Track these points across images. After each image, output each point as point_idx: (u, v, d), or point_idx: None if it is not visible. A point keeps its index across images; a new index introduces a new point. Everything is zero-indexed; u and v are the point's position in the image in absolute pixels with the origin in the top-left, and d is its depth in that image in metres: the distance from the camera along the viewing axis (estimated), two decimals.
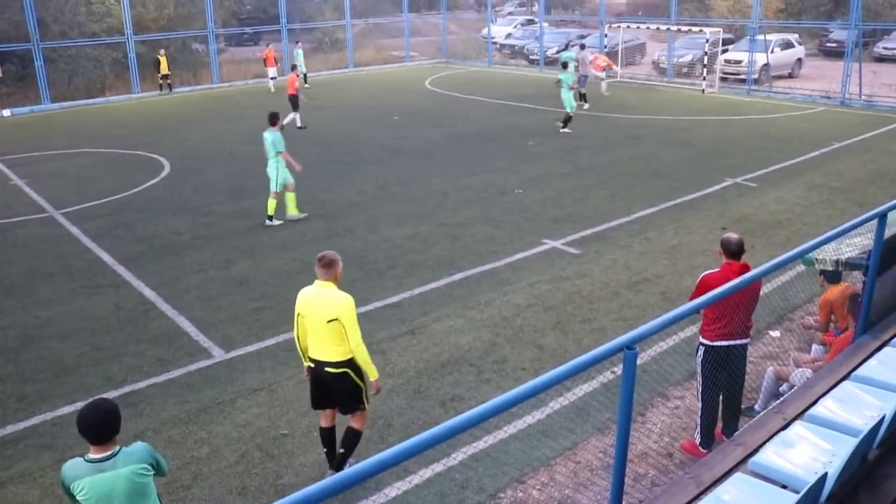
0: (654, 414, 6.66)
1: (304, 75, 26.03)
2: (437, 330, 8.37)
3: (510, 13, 45.75)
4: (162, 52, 26.10)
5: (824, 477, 3.51)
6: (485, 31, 35.11)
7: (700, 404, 5.97)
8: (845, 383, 4.58)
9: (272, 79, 26.68)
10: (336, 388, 5.62)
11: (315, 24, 34.69)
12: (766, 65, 25.15)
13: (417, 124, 20.06)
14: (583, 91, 21.56)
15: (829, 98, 22.91)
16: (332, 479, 2.47)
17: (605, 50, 27.97)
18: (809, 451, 3.85)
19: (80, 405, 6.16)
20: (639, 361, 3.73)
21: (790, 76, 26.90)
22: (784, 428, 4.23)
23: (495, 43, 34.71)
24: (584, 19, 40.60)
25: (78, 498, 3.80)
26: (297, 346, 5.73)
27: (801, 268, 8.55)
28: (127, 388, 7.32)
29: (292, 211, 12.17)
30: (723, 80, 25.45)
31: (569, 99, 18.40)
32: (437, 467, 5.90)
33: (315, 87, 26.87)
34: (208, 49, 28.80)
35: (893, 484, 4.03)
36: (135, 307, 9.17)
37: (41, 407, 7.05)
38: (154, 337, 8.38)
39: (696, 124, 19.41)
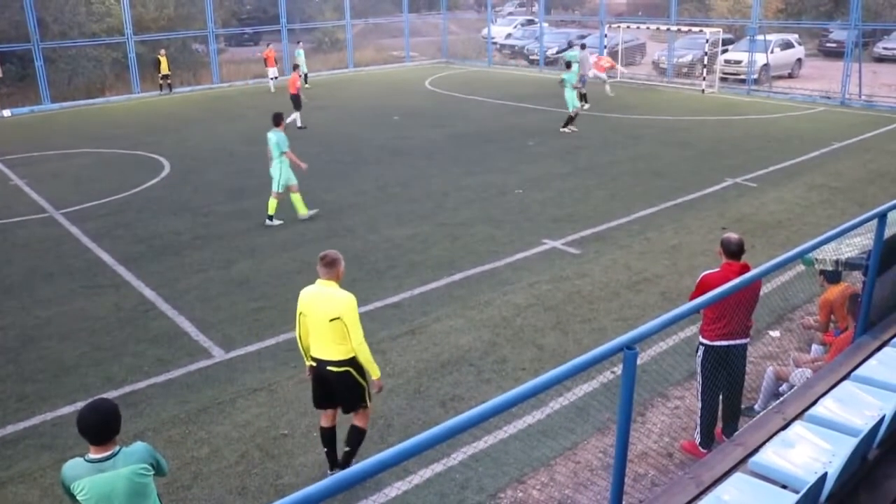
0: (654, 414, 6.66)
1: (305, 75, 26.03)
2: (437, 330, 8.37)
3: (510, 13, 45.76)
4: (162, 52, 26.10)
5: (824, 477, 3.51)
6: (485, 31, 35.11)
7: (700, 404, 5.97)
8: (845, 383, 4.58)
9: (273, 79, 26.68)
10: (338, 387, 5.62)
11: (315, 24, 34.69)
12: (766, 65, 25.15)
13: (417, 124, 20.06)
14: (583, 91, 21.57)
15: (829, 98, 22.91)
16: (332, 479, 2.47)
17: (606, 50, 27.99)
18: (809, 451, 3.85)
19: (80, 405, 6.17)
20: (639, 361, 3.73)
21: (790, 76, 26.90)
22: (784, 428, 4.23)
23: (495, 43, 34.71)
24: (584, 19, 40.60)
25: (78, 498, 3.80)
26: (299, 345, 5.74)
27: (801, 268, 8.55)
28: (127, 388, 7.32)
29: (302, 211, 12.17)
30: (723, 80, 25.45)
31: (572, 98, 18.39)
32: (437, 467, 5.90)
33: (315, 87, 26.87)
34: (208, 49, 28.80)
35: (893, 484, 4.03)
36: (135, 307, 9.17)
37: (41, 407, 7.05)
38: (154, 337, 8.39)
39: (696, 124, 19.42)
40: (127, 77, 26.48)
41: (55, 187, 14.71)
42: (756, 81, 24.79)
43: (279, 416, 6.81)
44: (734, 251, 5.75)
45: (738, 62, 25.67)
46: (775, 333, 8.11)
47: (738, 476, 3.76)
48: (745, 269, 5.64)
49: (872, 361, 4.84)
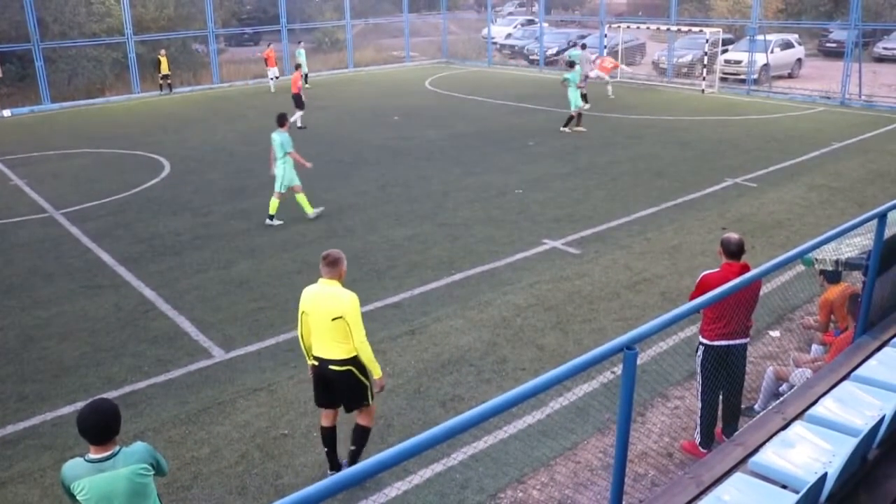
0: (654, 414, 6.66)
1: (305, 76, 26.05)
2: (437, 330, 8.37)
3: (510, 13, 45.77)
4: (162, 52, 26.10)
5: (824, 477, 3.51)
6: (485, 31, 35.11)
7: (700, 404, 5.97)
8: (845, 383, 4.58)
9: (274, 78, 26.68)
10: (340, 386, 5.63)
11: (315, 24, 34.69)
12: (766, 65, 25.15)
13: (417, 124, 20.06)
14: (584, 91, 21.55)
15: (828, 98, 22.92)
16: (332, 479, 2.47)
17: (606, 50, 28.00)
18: (809, 451, 3.85)
19: (80, 405, 6.18)
20: (639, 361, 3.73)
21: (790, 76, 26.90)
22: (784, 428, 4.23)
23: (495, 43, 34.71)
24: (584, 19, 40.61)
25: (78, 498, 3.80)
26: (301, 344, 5.74)
27: (801, 268, 8.55)
28: (127, 389, 7.32)
29: (308, 210, 12.18)
30: (723, 80, 25.44)
31: (575, 98, 18.35)
32: (437, 467, 5.90)
33: (315, 87, 26.87)
34: (208, 49, 28.80)
35: (893, 484, 4.03)
36: (135, 307, 9.17)
37: (41, 407, 7.05)
38: (154, 337, 8.39)
39: (696, 124, 19.42)
40: (127, 77, 26.49)
41: (55, 187, 14.71)
42: (756, 81, 24.79)
43: (279, 416, 6.81)
44: (734, 251, 5.75)
45: (738, 62, 25.67)
46: (775, 333, 8.11)
47: (738, 476, 3.76)
48: (745, 269, 5.64)
49: (872, 361, 4.84)
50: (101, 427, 3.78)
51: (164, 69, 26.08)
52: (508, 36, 36.23)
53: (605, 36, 29.01)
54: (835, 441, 3.90)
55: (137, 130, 20.30)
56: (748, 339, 5.97)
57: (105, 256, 10.87)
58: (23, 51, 24.22)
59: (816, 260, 6.86)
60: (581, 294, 9.21)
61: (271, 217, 11.99)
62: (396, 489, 5.70)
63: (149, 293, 9.56)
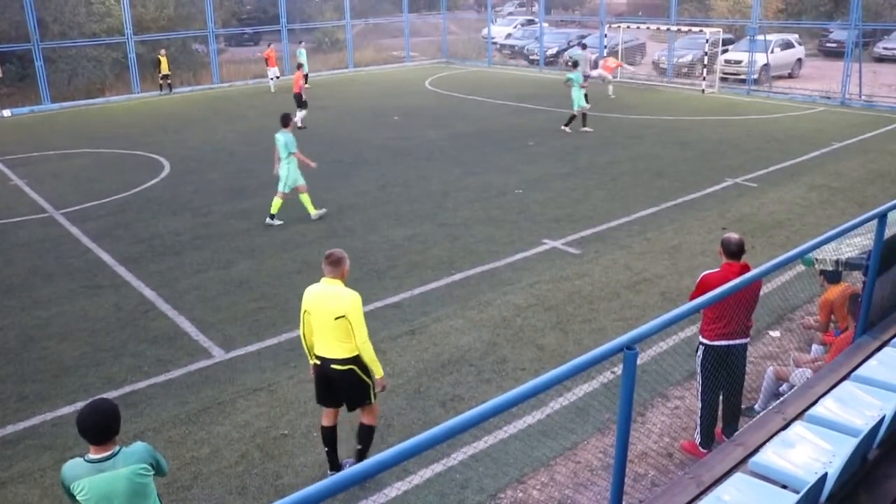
0: (654, 414, 6.66)
1: (306, 76, 26.04)
2: (437, 330, 8.37)
3: (510, 13, 45.76)
4: (162, 52, 26.10)
5: (824, 477, 3.51)
6: (485, 31, 35.11)
7: (700, 404, 5.97)
8: (845, 383, 4.58)
9: (275, 78, 26.68)
10: (342, 385, 5.64)
11: (315, 24, 34.69)
12: (766, 65, 25.15)
13: (417, 124, 20.06)
14: (585, 91, 21.56)
15: (829, 98, 22.92)
16: (332, 479, 2.47)
17: (606, 50, 28.01)
18: (809, 451, 3.85)
19: (80, 405, 6.18)
20: (639, 361, 3.73)
21: (790, 76, 26.91)
22: (784, 428, 4.23)
23: (495, 43, 34.71)
24: (584, 19, 40.61)
25: (78, 498, 3.80)
26: (303, 343, 5.75)
27: (801, 268, 8.55)
28: (127, 389, 7.32)
29: (312, 211, 12.19)
30: (723, 80, 25.45)
31: (578, 98, 18.33)
32: (437, 467, 5.90)
33: (315, 87, 26.85)
34: (208, 49, 28.80)
35: (893, 484, 4.03)
36: (135, 307, 9.17)
37: (41, 407, 7.05)
38: (154, 337, 8.39)
39: (696, 124, 19.41)
40: (127, 77, 26.49)
41: (55, 187, 14.71)
42: (756, 81, 24.79)
43: (279, 416, 6.81)
44: (734, 251, 5.75)
45: (738, 62, 25.68)
46: (775, 333, 8.11)
47: (738, 476, 3.76)
48: (745, 269, 5.64)
49: (872, 361, 4.84)
50: (101, 427, 3.78)
51: (164, 69, 26.08)
52: (508, 36, 36.23)
53: (605, 36, 29.01)
54: (835, 441, 3.90)
55: (137, 130, 20.30)
56: (748, 339, 5.97)
57: (105, 256, 10.87)
58: (23, 51, 24.21)
59: (816, 260, 6.86)
60: (581, 294, 9.21)
61: (272, 216, 12.00)
62: (396, 489, 5.70)
63: (149, 293, 9.56)
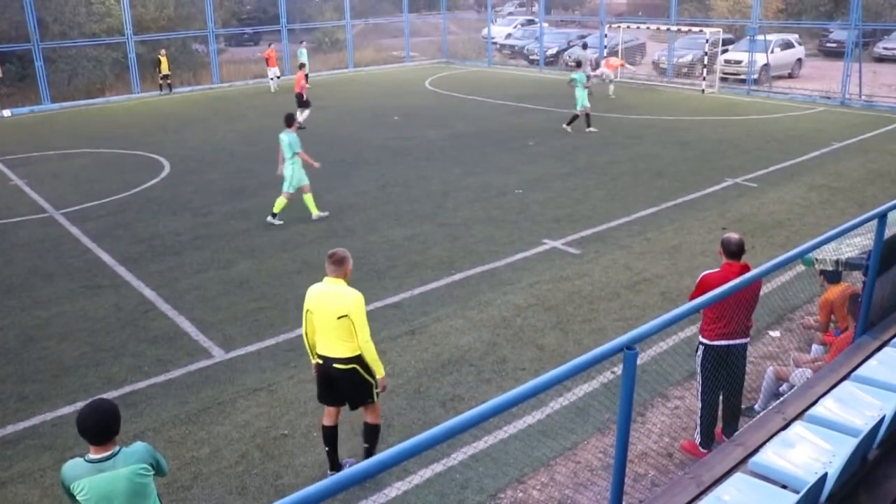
0: (654, 414, 6.66)
1: (306, 76, 26.04)
2: (437, 330, 8.37)
3: (510, 13, 45.77)
4: (163, 52, 26.10)
5: (824, 477, 3.51)
6: (485, 31, 35.11)
7: (700, 404, 5.97)
8: (845, 383, 4.58)
9: (275, 78, 26.67)
10: (344, 384, 5.65)
11: (315, 24, 34.69)
12: (766, 65, 25.15)
13: (417, 124, 20.06)
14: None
15: (829, 98, 22.92)
16: (332, 479, 2.47)
17: (606, 50, 28.01)
18: (809, 451, 3.85)
19: (80, 405, 6.17)
20: (639, 361, 3.73)
21: (790, 76, 26.91)
22: (784, 428, 4.23)
23: (495, 43, 34.71)
24: (584, 19, 40.62)
25: (78, 498, 3.80)
26: (305, 342, 5.75)
27: (801, 268, 8.55)
28: (127, 389, 7.32)
29: (314, 211, 12.20)
30: (723, 80, 25.45)
31: (582, 98, 18.31)
32: (437, 467, 5.90)
33: (315, 87, 26.81)
34: (208, 49, 28.81)
35: (893, 484, 4.03)
36: (135, 307, 9.17)
37: (41, 407, 7.05)
38: (154, 337, 8.39)
39: (696, 124, 19.42)
40: (127, 77, 26.49)
41: (55, 187, 14.71)
42: (756, 81, 24.79)
43: (279, 416, 6.81)
44: (734, 251, 5.75)
45: (738, 62, 25.68)
46: (775, 333, 8.11)
47: (738, 476, 3.76)
48: (745, 269, 5.64)
49: (872, 361, 4.84)
50: (100, 427, 3.78)
51: (165, 69, 26.08)
52: (508, 36, 36.24)
53: (605, 36, 29.01)
54: (835, 441, 3.90)
55: (137, 130, 20.30)
56: (748, 339, 5.97)
57: (105, 256, 10.87)
58: (23, 51, 24.22)
59: (816, 260, 6.86)
60: (581, 294, 9.21)
61: (274, 215, 11.99)
62: (396, 489, 5.70)
63: (149, 293, 9.56)
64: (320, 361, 5.67)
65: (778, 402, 5.21)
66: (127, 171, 15.90)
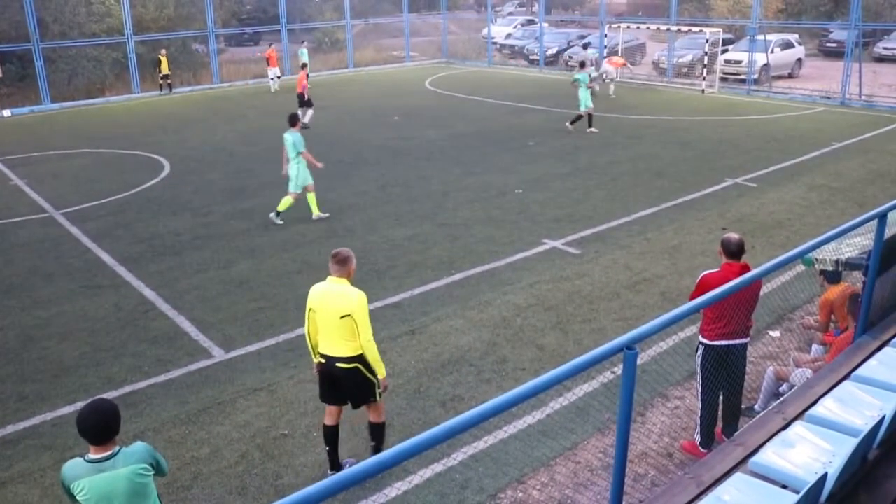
0: (654, 414, 6.66)
1: (307, 76, 26.06)
2: (437, 330, 8.37)
3: (510, 13, 45.78)
4: (163, 52, 26.10)
5: (824, 477, 3.50)
6: (485, 31, 35.12)
7: (700, 404, 5.97)
8: (845, 383, 4.58)
9: (276, 78, 26.67)
10: (347, 383, 5.66)
11: (315, 24, 34.69)
12: (766, 65, 25.15)
13: (417, 124, 20.06)
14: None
15: (829, 98, 22.92)
16: (332, 479, 2.47)
17: (606, 50, 28.01)
18: (809, 451, 3.85)
19: (80, 405, 6.17)
20: (639, 361, 3.73)
21: (790, 76, 26.91)
22: (784, 428, 4.23)
23: (495, 43, 34.71)
24: (584, 19, 40.62)
25: (78, 498, 3.80)
26: (308, 341, 5.76)
27: (801, 268, 8.55)
28: (127, 389, 7.32)
29: (315, 211, 12.21)
30: (723, 80, 25.45)
31: (585, 98, 18.30)
32: (437, 467, 5.90)
33: (315, 87, 26.78)
34: (208, 49, 28.81)
35: (893, 484, 4.03)
36: (135, 307, 9.17)
37: (41, 407, 7.05)
38: (154, 337, 8.38)
39: (696, 124, 19.42)
40: (127, 77, 26.49)
41: (55, 187, 14.71)
42: (756, 81, 24.79)
43: (279, 416, 6.81)
44: (734, 251, 5.75)
45: (738, 62, 25.68)
46: (775, 333, 8.11)
47: (738, 476, 3.76)
48: (745, 269, 5.64)
49: (872, 361, 4.84)
50: (100, 427, 3.78)
51: (165, 69, 26.08)
52: (508, 36, 36.24)
53: (605, 36, 29.01)
54: (835, 441, 3.90)
55: (137, 130, 20.30)
56: (748, 339, 5.97)
57: (105, 256, 10.87)
58: (23, 51, 24.22)
59: (816, 260, 6.86)
60: (581, 294, 9.21)
61: (278, 213, 11.99)
62: (396, 489, 5.70)
63: (149, 293, 9.56)
64: (322, 360, 5.68)
65: (778, 402, 5.21)
66: (127, 171, 15.90)
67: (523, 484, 5.80)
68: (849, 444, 3.71)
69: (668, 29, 26.94)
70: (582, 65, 19.31)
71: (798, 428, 4.07)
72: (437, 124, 19.97)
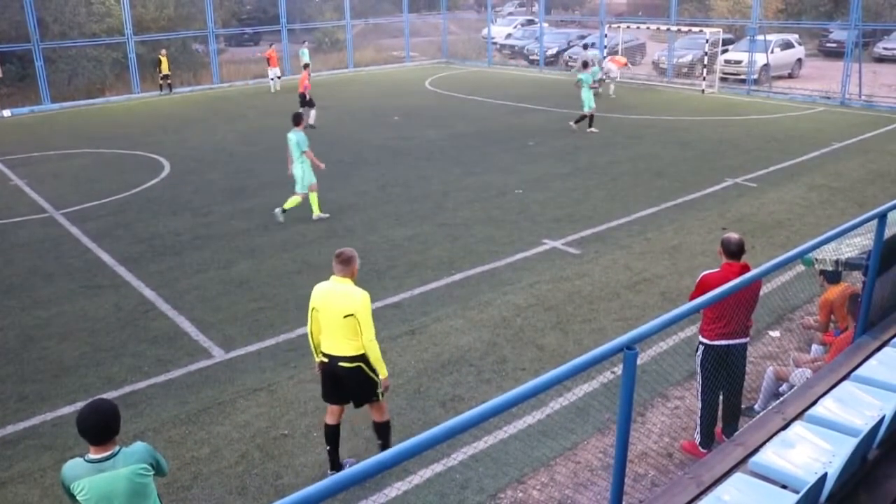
0: (654, 414, 6.66)
1: (309, 76, 26.07)
2: (437, 330, 8.37)
3: (510, 13, 45.77)
4: (163, 52, 26.10)
5: (824, 477, 3.51)
6: (485, 31, 35.12)
7: (700, 404, 5.97)
8: (845, 383, 4.58)
9: (276, 78, 26.66)
10: (349, 382, 5.66)
11: (315, 24, 34.69)
12: (766, 65, 25.15)
13: (417, 124, 20.06)
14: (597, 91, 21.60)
15: (828, 98, 22.92)
16: (332, 479, 2.47)
17: (606, 50, 28.02)
18: (809, 451, 3.85)
19: (80, 405, 6.18)
20: (639, 361, 3.73)
21: (790, 76, 26.90)
22: (784, 428, 4.23)
23: (495, 43, 34.71)
24: (584, 19, 40.62)
25: (78, 498, 3.80)
26: (310, 340, 5.77)
27: (801, 268, 8.55)
28: (127, 389, 7.32)
29: (316, 211, 12.23)
30: (723, 80, 25.45)
31: (588, 98, 18.31)
32: (437, 467, 5.91)
33: (315, 87, 26.72)
34: (208, 49, 28.81)
35: (893, 484, 4.03)
36: (135, 307, 9.17)
37: (41, 407, 7.05)
38: (154, 337, 8.39)
39: (696, 124, 19.42)
40: (127, 77, 26.49)
41: (55, 187, 14.71)
42: (756, 81, 24.79)
43: (279, 416, 6.81)
44: (734, 251, 5.75)
45: (738, 62, 25.67)
46: (775, 333, 8.11)
47: (738, 476, 3.76)
48: (745, 269, 5.64)
49: (872, 361, 4.84)
50: (100, 427, 3.78)
51: (165, 69, 26.08)
52: (508, 36, 36.24)
53: (605, 36, 29.01)
54: (835, 441, 3.90)
55: (137, 130, 20.30)
56: (748, 339, 5.97)
57: (105, 256, 10.87)
58: (23, 51, 24.21)
59: (816, 260, 6.86)
60: (581, 294, 9.21)
61: (284, 211, 12.00)
62: (396, 489, 5.70)
63: (149, 293, 9.56)
64: (325, 360, 5.68)
65: (778, 402, 5.21)
66: (127, 171, 15.90)
67: (523, 484, 5.80)
68: (849, 444, 3.71)
69: (668, 29, 26.94)
70: (585, 65, 19.31)
71: (798, 428, 4.07)
72: (437, 124, 19.97)
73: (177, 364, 7.76)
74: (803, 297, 8.73)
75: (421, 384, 7.26)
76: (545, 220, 11.99)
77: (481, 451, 6.11)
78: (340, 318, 5.46)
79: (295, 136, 11.76)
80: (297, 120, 11.95)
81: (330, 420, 5.88)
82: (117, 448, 3.84)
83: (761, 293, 6.10)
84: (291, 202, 12.00)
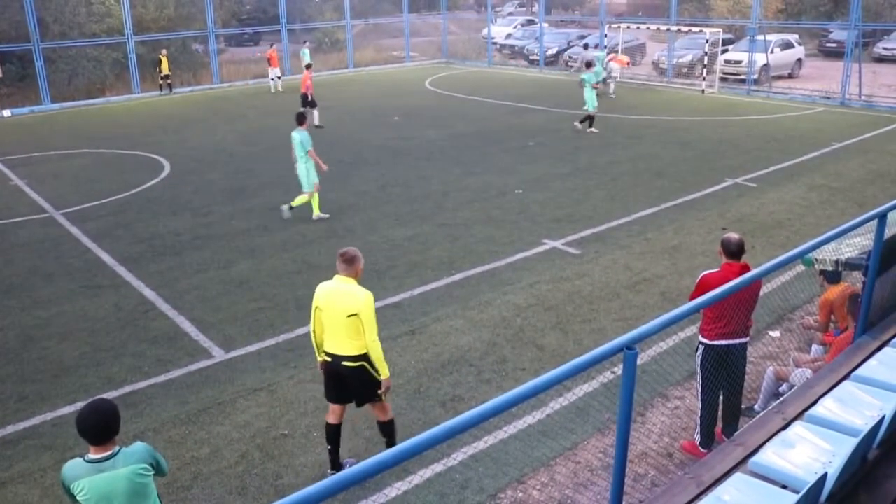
0: (654, 414, 6.66)
1: (310, 76, 26.09)
2: (437, 330, 8.37)
3: (510, 13, 45.78)
4: (163, 52, 26.11)
5: (824, 477, 3.51)
6: (485, 31, 35.12)
7: (700, 404, 5.97)
8: (845, 383, 4.58)
9: (276, 78, 26.66)
10: (352, 381, 5.67)
11: (315, 24, 34.69)
12: (766, 65, 25.15)
13: (417, 124, 20.06)
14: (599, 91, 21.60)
15: (828, 98, 22.92)
16: (332, 479, 2.47)
17: (606, 50, 28.02)
18: (809, 451, 3.85)
19: (80, 405, 6.18)
20: (639, 361, 3.73)
21: (790, 76, 26.90)
22: (784, 428, 4.23)
23: (495, 43, 34.71)
24: (584, 19, 40.62)
25: (78, 498, 3.80)
26: (313, 339, 5.77)
27: (801, 268, 8.55)
28: (127, 389, 7.32)
29: (316, 211, 12.25)
30: (723, 80, 25.45)
31: (591, 98, 18.30)
32: (437, 467, 5.91)
33: (315, 87, 26.72)
34: (208, 49, 28.81)
35: (893, 484, 4.03)
36: (135, 307, 9.17)
37: (41, 407, 7.05)
38: (154, 337, 8.39)
39: (696, 124, 19.42)
40: (127, 77, 26.49)
41: (55, 187, 14.71)
42: (756, 81, 24.79)
43: (279, 416, 6.81)
44: (734, 251, 5.75)
45: (738, 62, 25.68)
46: (775, 333, 8.11)
47: (738, 476, 3.76)
48: (745, 269, 5.64)
49: (872, 361, 4.84)
50: (100, 427, 3.78)
51: (165, 69, 26.08)
52: (508, 36, 36.24)
53: (605, 36, 29.01)
54: (835, 441, 3.90)
55: (137, 130, 20.30)
56: (748, 339, 5.97)
57: (105, 256, 10.87)
58: (23, 51, 24.22)
59: (816, 260, 6.86)
60: (581, 294, 9.21)
61: (291, 208, 12.03)
62: (396, 489, 5.70)
63: (149, 293, 9.56)
64: (328, 359, 5.69)
65: (778, 402, 5.21)
66: (127, 171, 15.91)
67: (523, 484, 5.80)
68: (849, 444, 3.71)
69: (668, 29, 26.94)
70: (588, 65, 19.31)
71: (798, 428, 4.07)
72: (437, 124, 19.97)
73: (177, 364, 7.77)
74: (803, 297, 8.73)
75: (421, 384, 7.26)
76: (545, 220, 11.99)
77: (481, 451, 6.11)
78: (344, 317, 5.47)
79: (299, 136, 11.79)
80: (301, 119, 11.98)
81: (331, 419, 5.88)
82: (117, 448, 3.84)
83: (761, 293, 6.10)
84: (299, 200, 12.03)
